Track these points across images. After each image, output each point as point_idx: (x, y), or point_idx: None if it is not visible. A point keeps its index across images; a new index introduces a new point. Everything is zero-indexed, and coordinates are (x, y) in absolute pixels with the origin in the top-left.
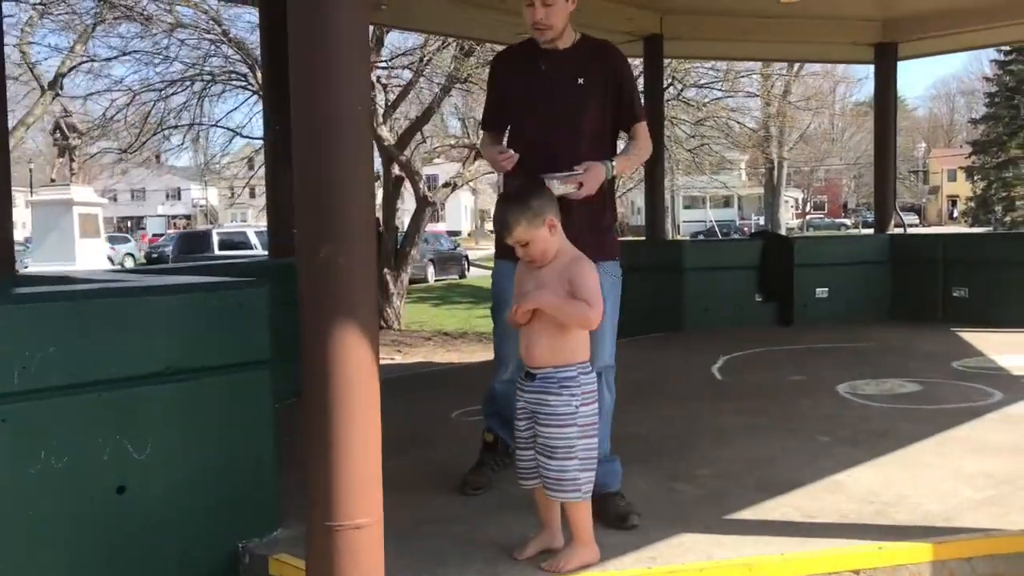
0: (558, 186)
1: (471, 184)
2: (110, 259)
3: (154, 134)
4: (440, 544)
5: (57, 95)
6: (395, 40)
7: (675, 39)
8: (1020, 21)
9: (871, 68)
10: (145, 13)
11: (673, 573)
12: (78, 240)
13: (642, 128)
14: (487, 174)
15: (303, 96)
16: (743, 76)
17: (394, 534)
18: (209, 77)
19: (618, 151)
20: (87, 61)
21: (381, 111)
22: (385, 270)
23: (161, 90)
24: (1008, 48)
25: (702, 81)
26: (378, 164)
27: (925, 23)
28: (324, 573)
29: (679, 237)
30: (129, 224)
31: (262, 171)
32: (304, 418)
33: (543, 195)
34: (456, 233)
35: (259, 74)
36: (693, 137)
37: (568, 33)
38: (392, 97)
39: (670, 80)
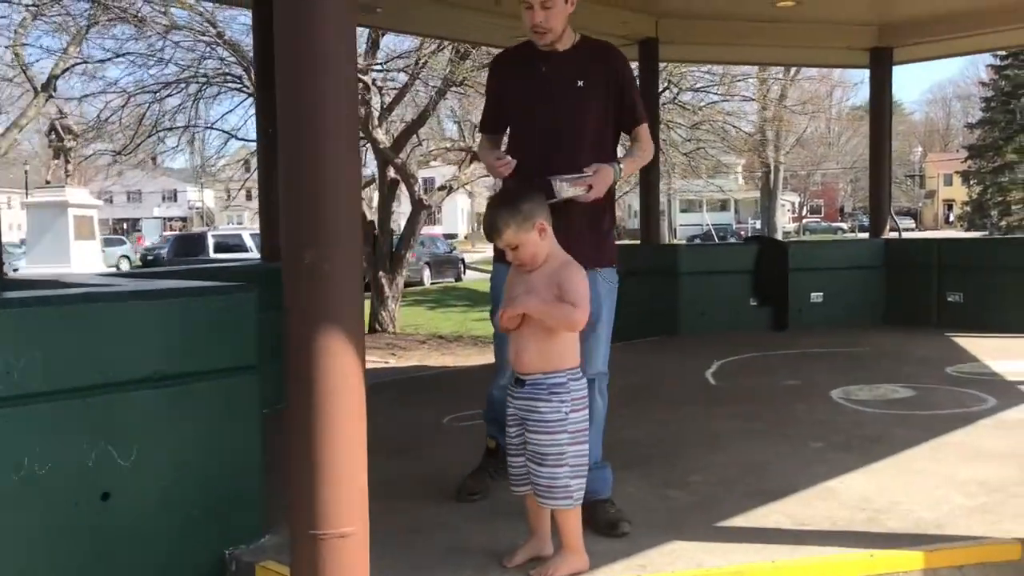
0: (567, 188)
1: (467, 187)
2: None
3: (149, 136)
4: (428, 552)
5: (51, 97)
6: (391, 43)
7: (670, 43)
8: (1016, 26)
9: (867, 72)
10: (139, 15)
11: None
12: (73, 242)
13: (644, 130)
14: (483, 177)
15: (289, 98)
16: (739, 80)
17: (382, 542)
18: (204, 79)
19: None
20: (81, 63)
21: (377, 114)
22: (380, 273)
23: (156, 92)
24: (1004, 53)
25: (698, 85)
26: (373, 167)
27: (921, 28)
28: None
29: (676, 241)
30: (125, 226)
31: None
32: (288, 425)
33: (533, 198)
34: (452, 236)
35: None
36: (689, 141)
37: (567, 35)
38: (388, 100)
39: (666, 84)
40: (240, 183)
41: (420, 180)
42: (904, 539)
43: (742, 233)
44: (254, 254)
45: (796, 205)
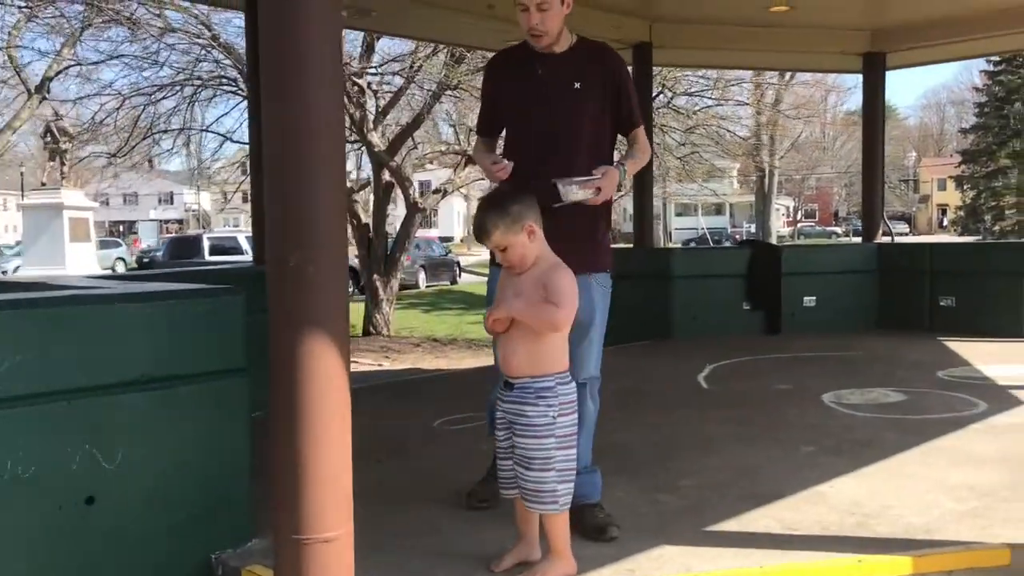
0: (576, 191)
1: (463, 190)
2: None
3: (144, 138)
4: (415, 556)
5: (44, 98)
6: (386, 46)
7: (664, 47)
8: (1009, 31)
9: (860, 77)
10: (133, 17)
11: None
12: (68, 244)
13: (642, 133)
14: (477, 180)
15: (273, 99)
16: (733, 84)
17: (369, 546)
18: (199, 82)
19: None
20: (74, 64)
21: (372, 117)
22: (375, 276)
23: (151, 94)
24: (998, 59)
25: (692, 89)
26: (368, 170)
27: (913, 33)
28: None
29: (671, 244)
30: (121, 228)
31: None
32: (272, 429)
33: (523, 200)
34: (448, 239)
35: None
36: (683, 145)
37: (564, 36)
38: (383, 103)
39: (660, 88)
40: (236, 186)
41: (416, 183)
42: (893, 544)
43: (737, 237)
44: (250, 257)
45: (791, 209)
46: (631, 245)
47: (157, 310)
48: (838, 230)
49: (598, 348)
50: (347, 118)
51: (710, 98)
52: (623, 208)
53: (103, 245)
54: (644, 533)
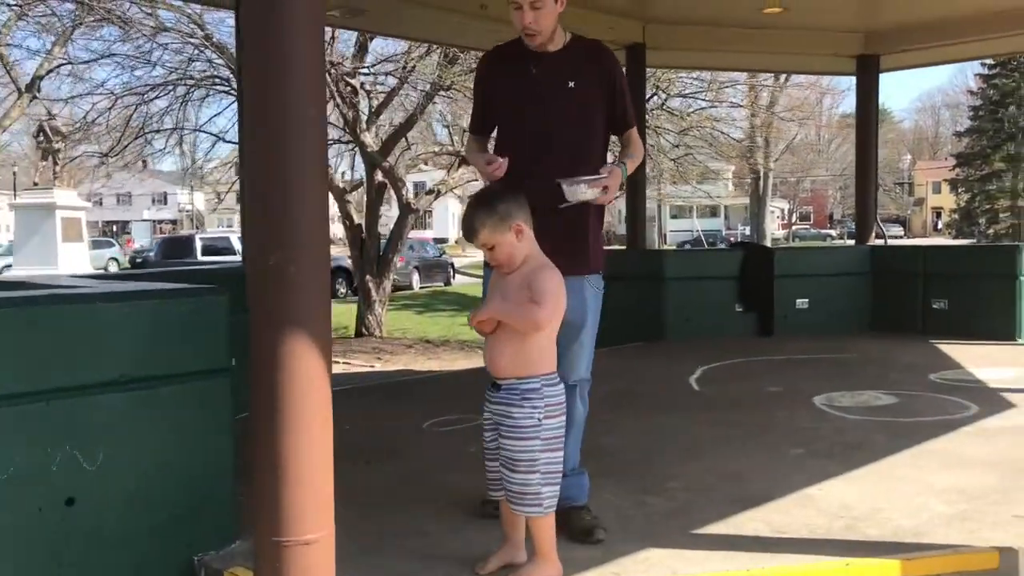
0: (585, 190)
1: (457, 191)
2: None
3: (136, 138)
4: (400, 559)
5: (35, 97)
6: (379, 46)
7: (658, 48)
8: (1002, 34)
9: (854, 80)
10: (124, 16)
11: None
12: (60, 244)
13: (635, 133)
14: (471, 181)
15: (255, 96)
16: (727, 86)
17: (354, 549)
18: (192, 81)
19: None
20: (65, 63)
21: (365, 117)
22: (367, 277)
23: (143, 94)
24: (992, 62)
25: (686, 91)
26: (361, 171)
27: (907, 35)
28: None
29: (666, 246)
30: (115, 228)
31: None
32: (253, 430)
33: (511, 199)
34: (443, 240)
35: None
36: (677, 147)
37: (558, 34)
38: (376, 104)
39: (654, 90)
40: (229, 186)
41: (411, 184)
42: (882, 547)
43: (731, 239)
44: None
45: (785, 212)
46: (625, 247)
47: (138, 310)
48: (832, 233)
49: (589, 350)
50: (340, 118)
51: (704, 100)
52: (618, 210)
53: (96, 245)
54: (631, 536)
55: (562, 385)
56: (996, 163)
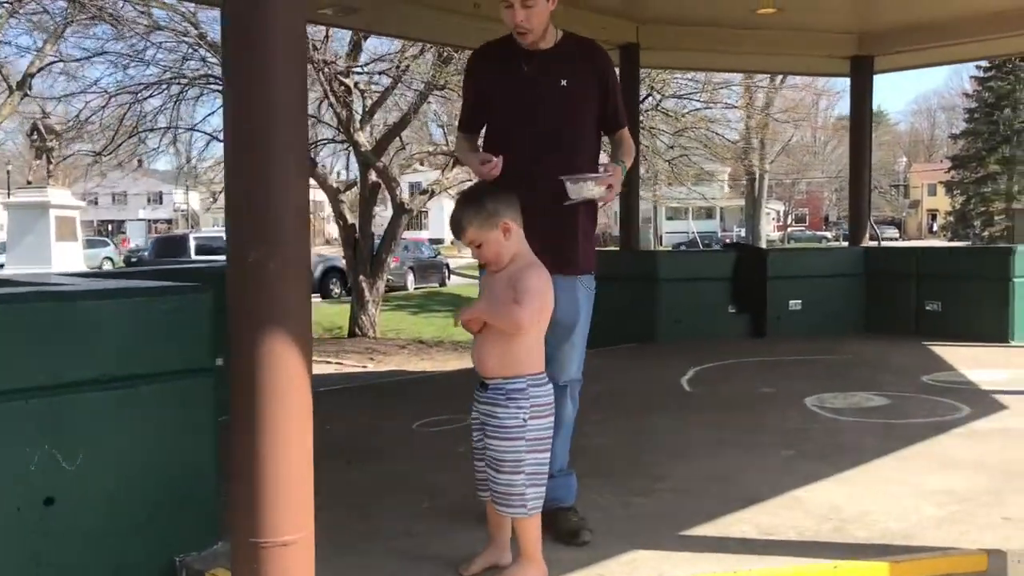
0: (592, 187)
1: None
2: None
3: (130, 137)
4: (384, 560)
5: (26, 95)
6: (374, 45)
7: (651, 49)
8: (997, 36)
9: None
10: (115, 14)
11: None
12: (54, 243)
13: (627, 133)
14: (466, 181)
15: (236, 91)
16: (722, 88)
17: (337, 550)
18: (185, 80)
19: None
20: (57, 61)
21: (359, 117)
22: (361, 277)
23: (137, 93)
24: (988, 64)
25: (681, 92)
26: (356, 170)
27: (901, 37)
28: None
29: (662, 248)
30: (110, 228)
31: None
32: (231, 430)
33: (500, 197)
34: (439, 241)
35: None
36: (672, 148)
37: (550, 32)
38: (370, 103)
39: (649, 90)
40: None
41: (407, 184)
42: (870, 549)
43: (727, 240)
44: None
45: (781, 213)
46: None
47: (120, 308)
48: (828, 234)
49: (581, 350)
50: (334, 118)
51: (698, 101)
52: (614, 211)
53: (91, 244)
54: (617, 537)
55: (550, 386)
56: (991, 165)
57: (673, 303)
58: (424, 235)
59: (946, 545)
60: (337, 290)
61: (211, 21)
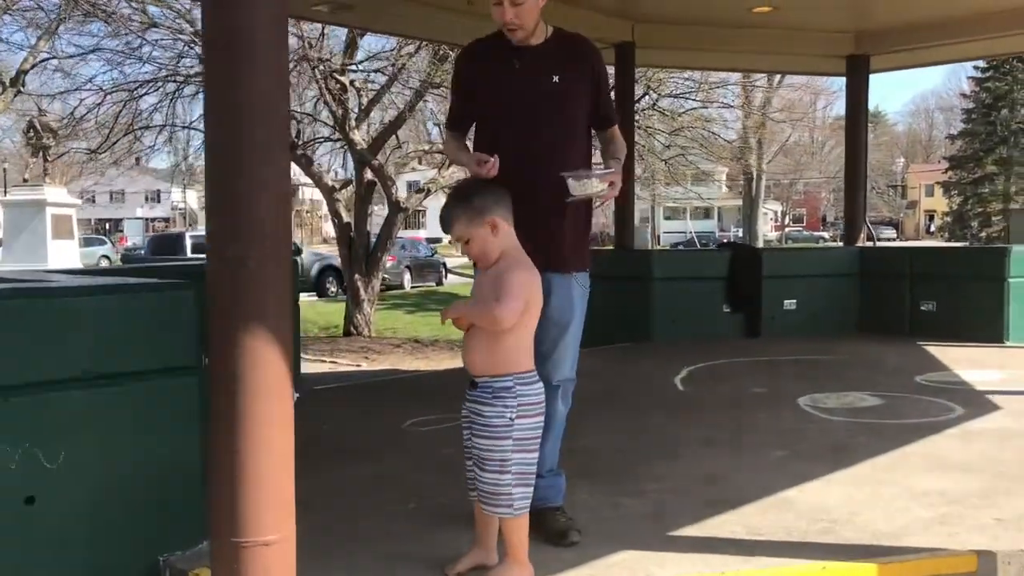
0: (595, 184)
1: (447, 190)
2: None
3: (125, 134)
4: (367, 560)
5: (19, 92)
6: (370, 43)
7: (647, 47)
8: (993, 35)
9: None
10: (108, 10)
11: None
12: (50, 241)
13: (618, 131)
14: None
15: (215, 83)
16: (718, 87)
17: (320, 550)
18: (181, 78)
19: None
20: (50, 58)
21: (354, 115)
22: (356, 276)
23: (132, 91)
24: (985, 65)
25: (677, 91)
26: (351, 168)
27: (897, 36)
28: None
29: (659, 247)
30: (107, 226)
31: None
32: (211, 429)
33: (489, 194)
34: (436, 240)
35: None
36: (668, 147)
37: (540, 28)
38: (366, 101)
39: (645, 90)
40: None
41: (404, 183)
42: (859, 551)
43: (724, 240)
44: None
45: (778, 214)
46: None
47: (102, 305)
48: (825, 235)
49: (575, 350)
50: (329, 116)
51: (695, 100)
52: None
53: (88, 243)
54: (605, 537)
55: (539, 385)
56: (988, 166)
57: (668, 303)
58: (421, 234)
59: (936, 546)
60: (333, 289)
61: None
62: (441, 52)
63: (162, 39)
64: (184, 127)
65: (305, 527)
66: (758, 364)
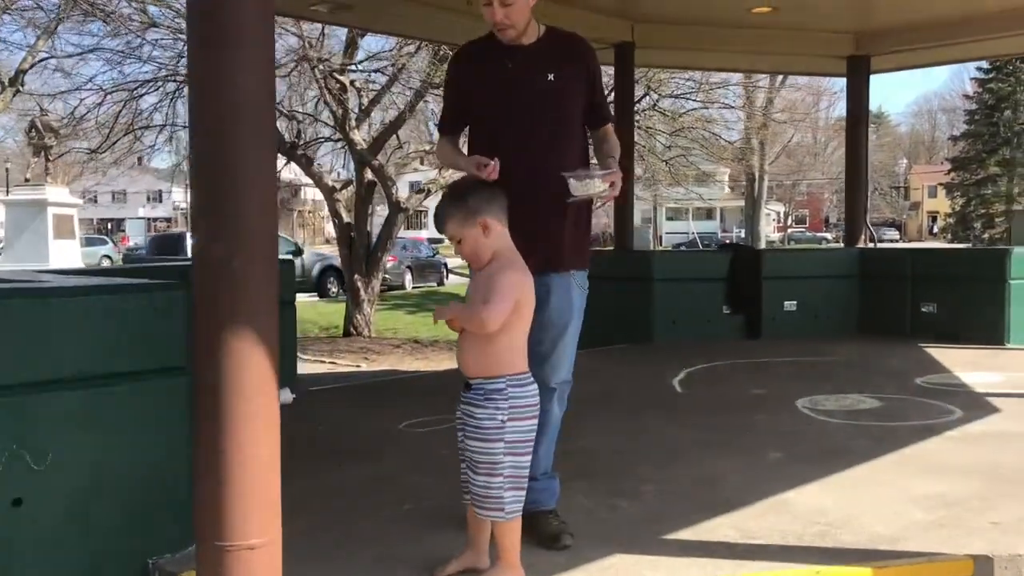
0: (597, 184)
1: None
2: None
3: (125, 134)
4: (355, 562)
5: (18, 91)
6: (370, 43)
7: (647, 47)
8: (994, 36)
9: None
10: (107, 9)
11: None
12: (52, 241)
13: (612, 129)
14: None
15: (197, 80)
16: (719, 87)
17: (314, 553)
18: (181, 78)
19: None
20: (49, 58)
21: (355, 115)
22: (356, 276)
23: (133, 90)
24: (988, 66)
25: (678, 92)
26: (352, 168)
27: (898, 37)
28: None
29: (661, 248)
30: (109, 226)
31: None
32: (196, 431)
33: (482, 195)
34: (438, 241)
35: None
36: (669, 148)
37: (532, 27)
38: (366, 101)
39: (645, 90)
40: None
41: (406, 183)
42: (855, 554)
43: (726, 241)
44: None
45: (781, 215)
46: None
47: (91, 306)
48: (828, 236)
49: (572, 351)
50: (330, 116)
51: (696, 100)
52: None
53: (90, 242)
54: (599, 540)
55: (533, 387)
56: (991, 167)
57: (668, 304)
58: (423, 234)
59: (933, 550)
60: (334, 289)
61: None
62: (441, 52)
63: (162, 39)
64: (184, 127)
65: (302, 527)
66: (757, 365)
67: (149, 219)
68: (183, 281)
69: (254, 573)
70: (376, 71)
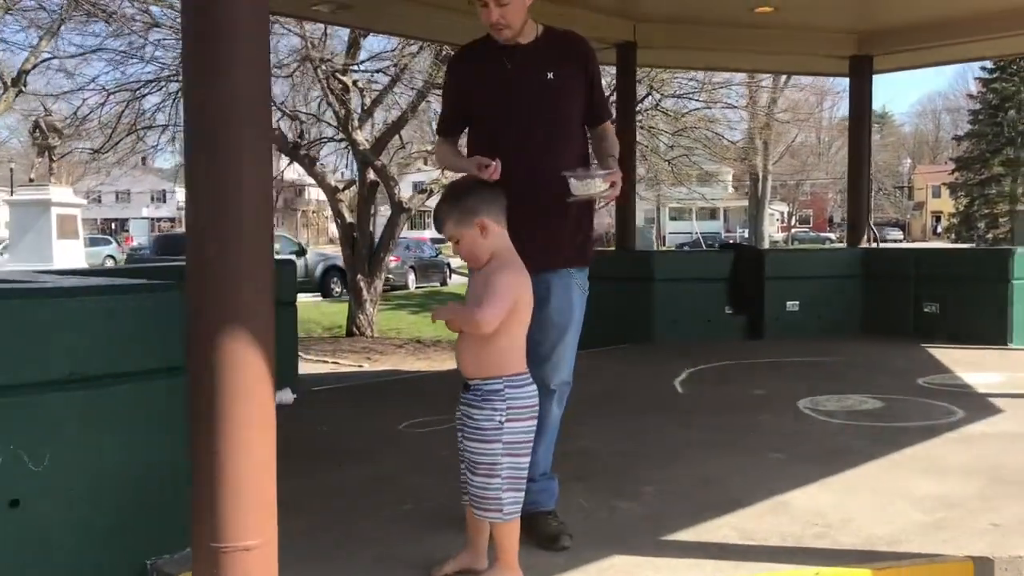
0: (598, 184)
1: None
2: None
3: (128, 134)
4: (353, 563)
5: (21, 91)
6: (373, 43)
7: (649, 47)
8: (997, 36)
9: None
10: (109, 10)
11: None
12: (55, 241)
13: (611, 128)
14: None
15: (192, 79)
16: (721, 87)
17: (312, 553)
18: None
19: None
20: (52, 58)
21: (357, 115)
22: (358, 276)
23: (135, 90)
24: (992, 66)
25: (680, 91)
26: (354, 169)
27: (900, 36)
28: None
29: (664, 248)
30: (113, 226)
31: None
32: (191, 432)
33: (480, 195)
34: (441, 240)
35: None
36: (672, 148)
37: (529, 27)
38: (369, 101)
39: (648, 90)
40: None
41: (409, 183)
42: (854, 556)
43: (729, 241)
44: None
45: (785, 215)
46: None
47: (87, 306)
48: (832, 236)
49: (572, 353)
50: (332, 116)
51: (699, 100)
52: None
53: (93, 242)
54: (598, 542)
55: (532, 387)
56: (995, 167)
57: (670, 304)
58: (426, 234)
59: (932, 552)
60: (338, 289)
61: None
62: (444, 53)
63: (164, 39)
64: None
65: (302, 527)
66: (759, 366)
67: (153, 219)
68: (182, 281)
69: (250, 574)
70: (379, 71)
